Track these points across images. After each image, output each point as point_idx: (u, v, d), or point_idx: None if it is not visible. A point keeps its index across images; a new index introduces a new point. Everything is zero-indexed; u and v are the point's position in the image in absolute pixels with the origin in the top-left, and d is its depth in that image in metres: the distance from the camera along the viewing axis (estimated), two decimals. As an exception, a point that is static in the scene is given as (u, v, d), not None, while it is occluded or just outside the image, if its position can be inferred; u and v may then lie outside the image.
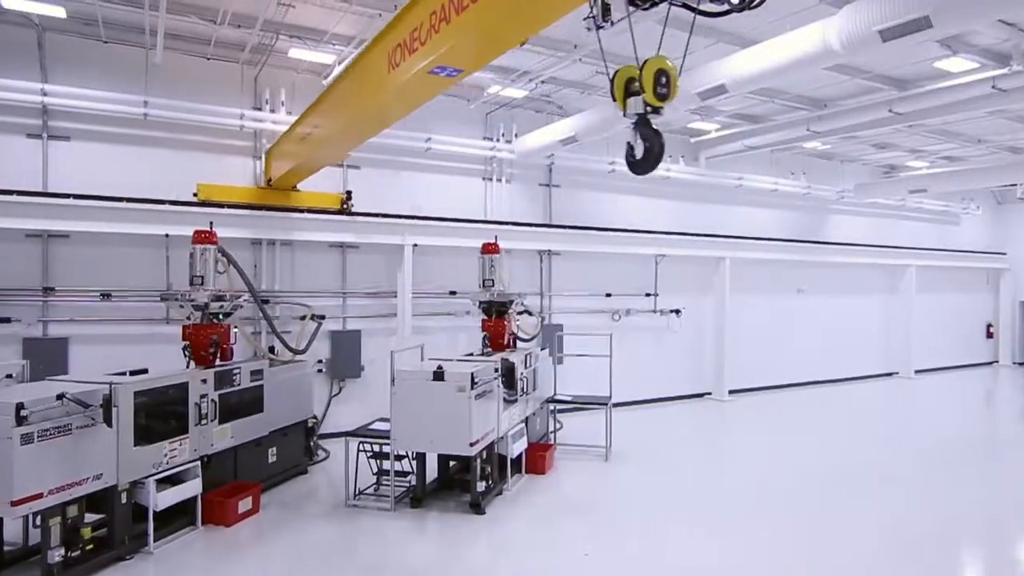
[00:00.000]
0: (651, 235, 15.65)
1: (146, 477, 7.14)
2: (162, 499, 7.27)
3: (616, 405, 11.98)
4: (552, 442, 11.34)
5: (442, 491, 9.15)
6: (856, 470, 10.68)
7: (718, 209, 17.34)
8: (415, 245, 12.62)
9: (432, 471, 9.26)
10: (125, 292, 10.61)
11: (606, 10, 4.60)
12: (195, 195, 11.01)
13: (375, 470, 9.11)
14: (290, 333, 10.72)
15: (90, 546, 6.61)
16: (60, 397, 6.17)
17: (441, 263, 13.20)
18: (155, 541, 7.20)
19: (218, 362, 8.79)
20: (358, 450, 8.89)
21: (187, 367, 8.58)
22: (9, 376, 9.32)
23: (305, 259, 12.27)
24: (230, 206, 11.01)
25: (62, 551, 6.28)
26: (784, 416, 15.47)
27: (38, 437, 6.06)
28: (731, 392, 16.76)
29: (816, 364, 19.08)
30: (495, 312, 10.77)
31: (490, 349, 10.79)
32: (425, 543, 7.70)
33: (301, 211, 11.69)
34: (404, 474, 8.96)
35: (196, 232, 8.92)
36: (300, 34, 10.25)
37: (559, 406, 11.88)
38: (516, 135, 13.93)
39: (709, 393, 16.90)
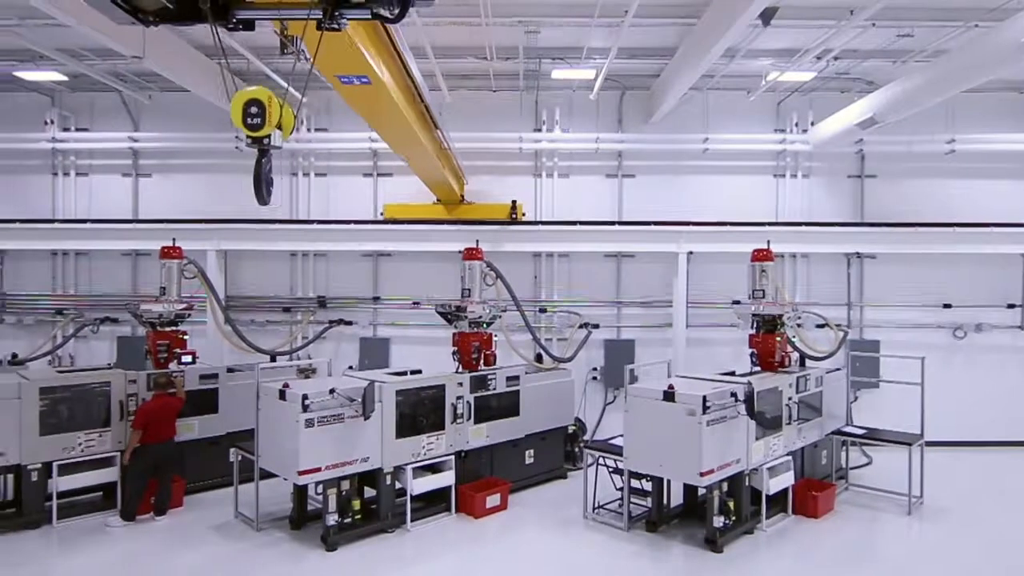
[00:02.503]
0: (1019, 229, 12.02)
1: (406, 464, 8.32)
2: (418, 485, 8.38)
3: (941, 444, 9.57)
4: (834, 481, 9.59)
5: (687, 518, 8.54)
6: None
7: None
8: (691, 252, 12.01)
9: (678, 494, 8.71)
10: (431, 301, 12.43)
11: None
12: (381, 214, 12.50)
13: (618, 486, 8.95)
14: (565, 341, 11.24)
15: (359, 516, 7.98)
16: (331, 391, 7.59)
17: (724, 271, 12.25)
18: (412, 521, 8.32)
19: (481, 367, 9.72)
20: (597, 464, 8.86)
21: (456, 371, 9.67)
22: (350, 367, 11.67)
23: (580, 269, 12.68)
24: (492, 223, 12.05)
25: (337, 517, 7.71)
26: None
27: (318, 423, 7.55)
28: None
29: None
30: (764, 326, 9.58)
31: (759, 368, 9.64)
32: (642, 571, 7.30)
33: (569, 224, 12.14)
34: (645, 493, 8.61)
35: (466, 249, 9.99)
36: (561, 55, 10.67)
37: (852, 440, 9.98)
38: (813, 123, 12.16)
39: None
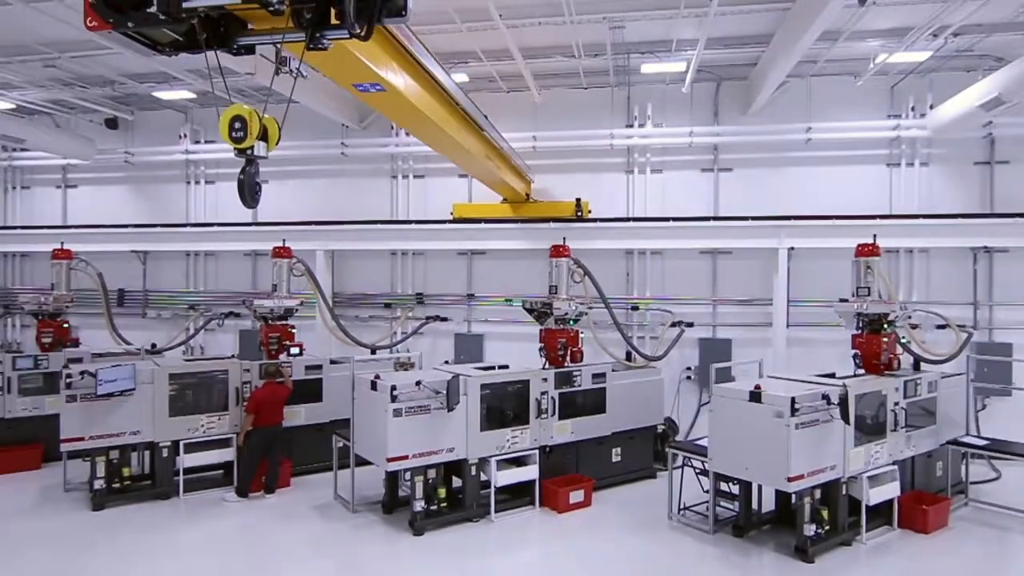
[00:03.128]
0: None
1: (490, 456, 8.56)
2: (502, 477, 8.59)
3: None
4: (951, 496, 8.81)
5: (780, 525, 8.18)
6: None
7: None
8: (792, 248, 11.44)
9: (769, 500, 8.37)
10: (521, 298, 12.63)
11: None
12: (451, 214, 12.71)
13: (706, 487, 8.72)
14: (658, 339, 11.09)
15: (444, 504, 8.31)
16: (417, 383, 7.96)
17: (830, 268, 11.54)
18: (496, 512, 8.55)
19: (568, 363, 9.80)
20: (683, 465, 8.68)
21: (543, 367, 9.80)
22: (446, 362, 12.12)
23: (675, 266, 12.42)
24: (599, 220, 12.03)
25: (423, 503, 8.08)
26: None
27: (405, 412, 7.94)
28: None
29: None
30: (868, 326, 8.98)
31: (863, 370, 9.05)
32: (727, 577, 7.11)
33: (661, 220, 11.92)
34: (733, 497, 8.34)
35: (553, 247, 10.09)
36: (650, 48, 10.51)
37: (974, 451, 9.12)
38: (932, 106, 11.20)
39: None
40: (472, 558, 7.62)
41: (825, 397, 7.26)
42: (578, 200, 12.24)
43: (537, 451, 8.98)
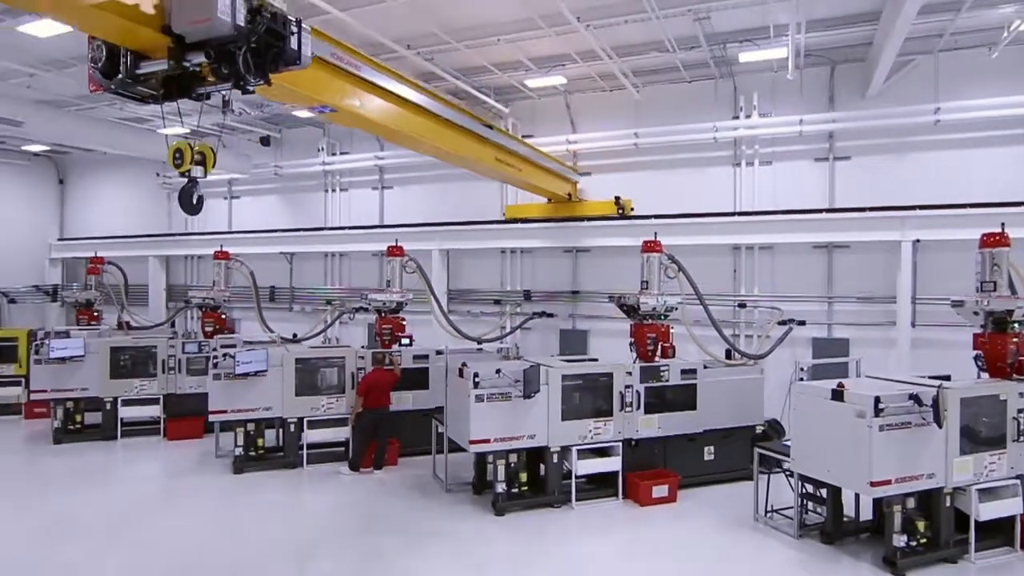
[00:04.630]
0: None
1: (571, 445, 8.83)
2: (582, 466, 8.83)
3: None
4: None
5: (879, 535, 7.63)
6: None
7: None
8: (917, 241, 10.52)
9: (869, 506, 7.86)
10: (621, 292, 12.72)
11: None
12: (503, 214, 13.22)
13: (799, 490, 8.35)
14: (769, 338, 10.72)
15: (526, 488, 8.73)
16: (497, 371, 8.44)
17: (965, 261, 10.45)
18: (577, 500, 8.80)
19: (658, 358, 9.80)
20: (759, 464, 8.38)
21: (633, 361, 9.87)
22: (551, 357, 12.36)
23: (786, 261, 11.86)
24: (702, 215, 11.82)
25: (504, 486, 8.53)
26: None
27: (487, 399, 8.44)
28: None
29: None
30: (993, 325, 8.10)
31: (987, 373, 8.18)
32: (803, 583, 6.83)
33: (768, 213, 11.46)
34: (823, 501, 7.93)
35: (644, 242, 10.13)
36: (747, 36, 10.20)
37: None
38: (1093, 74, 9.78)
39: None
40: (550, 540, 7.93)
41: (914, 398, 6.73)
42: (617, 198, 12.61)
43: (621, 443, 9.10)
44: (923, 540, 6.98)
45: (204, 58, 4.77)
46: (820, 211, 11.24)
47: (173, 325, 15.54)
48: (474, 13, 9.57)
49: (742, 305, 12.00)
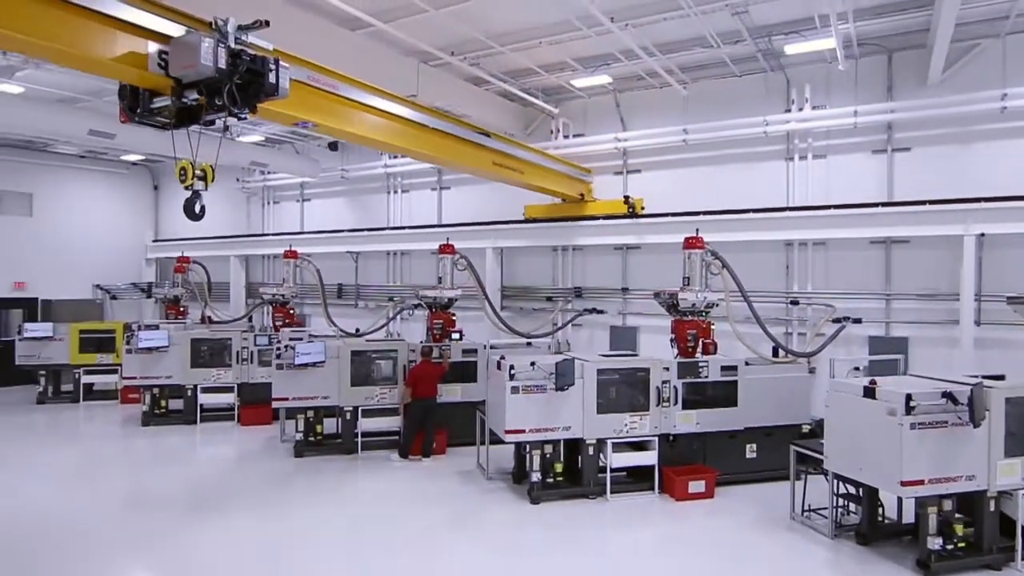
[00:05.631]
0: None
1: (607, 438, 9.00)
2: (616, 459, 8.99)
3: None
4: None
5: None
6: None
7: None
8: (982, 235, 10.00)
9: (911, 508, 7.62)
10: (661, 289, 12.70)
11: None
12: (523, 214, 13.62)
13: (839, 491, 8.19)
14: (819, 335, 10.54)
15: (560, 478, 8.94)
16: (531, 364, 8.71)
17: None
18: (612, 492, 8.97)
19: (698, 355, 9.80)
20: (799, 463, 8.24)
21: (674, 357, 9.93)
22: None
23: (840, 257, 11.51)
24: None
25: (539, 475, 8.80)
26: None
27: (523, 390, 8.73)
28: None
29: None
30: (1052, 323, 7.68)
31: (1047, 374, 7.76)
32: (831, 580, 6.75)
33: (820, 208, 11.16)
34: (859, 500, 7.76)
35: (686, 239, 10.14)
36: (793, 28, 10.01)
37: None
38: None
39: None
40: (581, 529, 8.13)
41: (948, 396, 6.52)
42: (627, 197, 12.92)
43: (657, 438, 9.18)
44: (961, 544, 6.73)
45: (197, 94, 5.95)
46: (876, 205, 10.85)
47: (251, 320, 16.67)
48: (511, 18, 9.86)
49: (794, 302, 11.73)
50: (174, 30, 5.97)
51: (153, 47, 5.83)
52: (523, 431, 8.77)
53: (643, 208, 12.94)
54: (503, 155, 11.52)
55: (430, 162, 11.46)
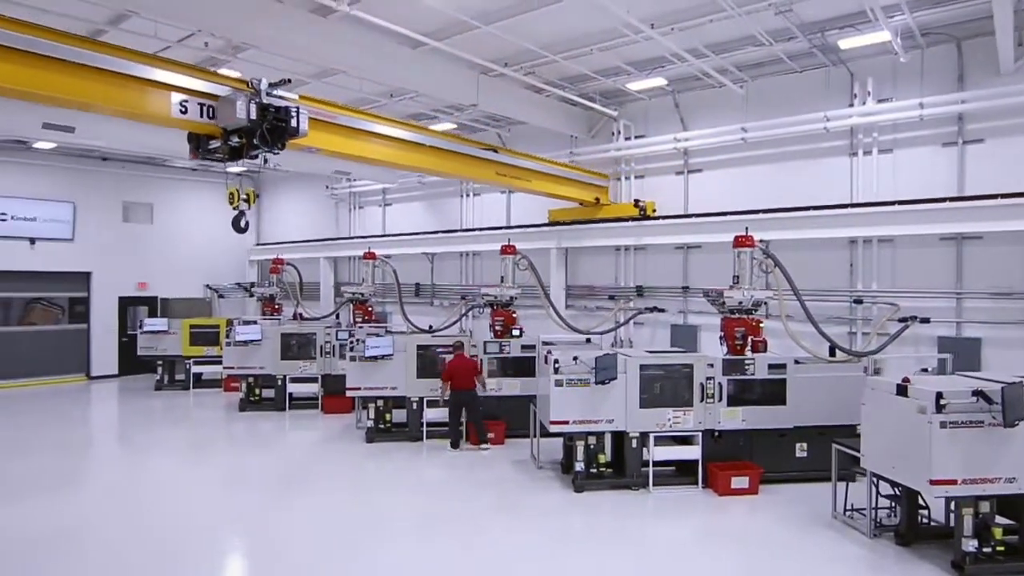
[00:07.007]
0: None
1: (650, 432, 9.29)
2: (658, 452, 9.26)
3: None
4: None
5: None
6: None
7: None
8: (1061, 229, 9.45)
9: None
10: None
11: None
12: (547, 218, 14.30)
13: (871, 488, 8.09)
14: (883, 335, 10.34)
15: (604, 468, 9.31)
16: (575, 358, 9.13)
17: None
18: (655, 485, 9.25)
19: (747, 352, 9.88)
20: (837, 462, 8.19)
21: (724, 354, 10.04)
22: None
23: (909, 255, 11.13)
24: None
25: (583, 465, 9.22)
26: None
27: (567, 384, 9.18)
28: None
29: None
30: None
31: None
32: (858, 577, 6.78)
33: (884, 204, 10.85)
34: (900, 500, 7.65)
35: (736, 237, 10.21)
36: (847, 22, 9.86)
37: None
38: None
39: None
40: (620, 518, 8.46)
41: (979, 394, 6.39)
42: (637, 201, 13.64)
43: (701, 433, 9.36)
44: (1000, 548, 6.58)
45: (238, 138, 7.76)
46: (946, 199, 10.43)
47: (338, 317, 18.00)
48: (557, 29, 10.29)
49: (858, 301, 11.45)
50: (220, 91, 7.80)
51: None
52: (567, 422, 9.22)
53: (655, 210, 13.79)
54: (507, 166, 12.65)
55: (437, 176, 12.47)
